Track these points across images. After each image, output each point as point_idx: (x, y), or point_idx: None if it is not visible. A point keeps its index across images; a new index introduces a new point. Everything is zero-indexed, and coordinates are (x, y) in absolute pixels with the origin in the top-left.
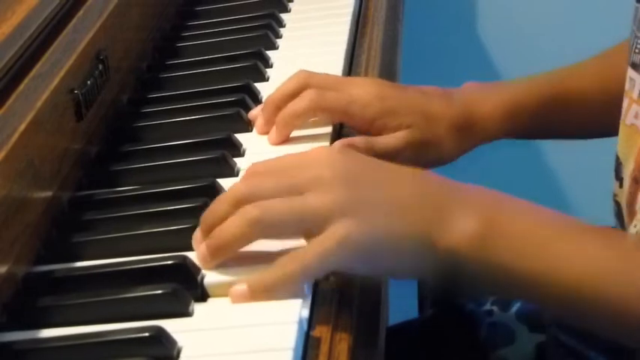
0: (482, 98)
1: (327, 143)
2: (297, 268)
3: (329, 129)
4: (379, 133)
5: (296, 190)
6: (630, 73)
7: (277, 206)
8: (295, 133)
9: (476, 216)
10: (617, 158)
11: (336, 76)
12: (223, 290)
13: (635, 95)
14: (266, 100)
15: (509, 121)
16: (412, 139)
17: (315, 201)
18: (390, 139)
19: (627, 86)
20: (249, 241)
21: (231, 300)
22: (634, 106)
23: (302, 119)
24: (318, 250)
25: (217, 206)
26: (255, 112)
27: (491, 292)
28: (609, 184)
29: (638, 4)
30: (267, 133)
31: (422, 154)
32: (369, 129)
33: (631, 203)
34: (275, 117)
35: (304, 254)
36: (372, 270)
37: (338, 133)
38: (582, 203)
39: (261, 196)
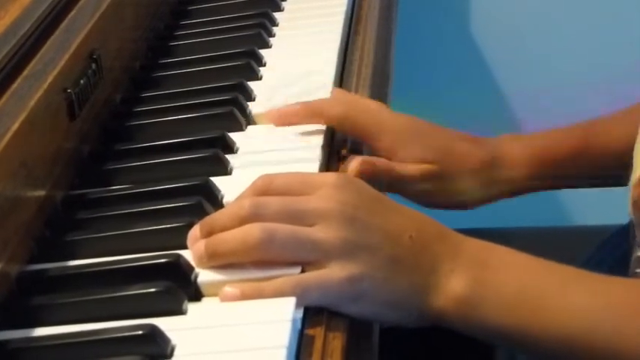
0: (512, 141)
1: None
2: (295, 291)
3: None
4: (401, 161)
5: (302, 218)
6: None
7: (283, 232)
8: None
9: (465, 277)
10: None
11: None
12: (217, 289)
13: None
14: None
15: (537, 169)
16: (430, 174)
17: (321, 234)
18: (409, 167)
19: None
20: (247, 259)
21: (221, 299)
22: None
23: (326, 122)
24: (320, 281)
25: (221, 218)
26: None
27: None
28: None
29: None
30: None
31: (441, 191)
32: (391, 156)
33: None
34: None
35: (306, 281)
36: (362, 313)
37: None
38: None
39: (265, 215)
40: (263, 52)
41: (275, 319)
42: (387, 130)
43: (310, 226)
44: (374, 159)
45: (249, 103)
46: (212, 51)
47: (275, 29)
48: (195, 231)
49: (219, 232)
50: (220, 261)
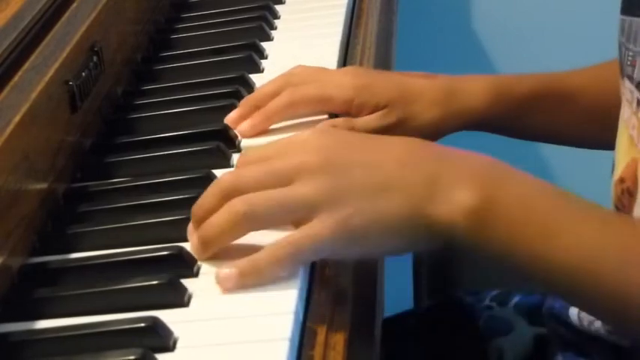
0: (468, 76)
1: None
2: (289, 251)
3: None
4: (359, 114)
5: (281, 179)
6: (627, 85)
7: (263, 199)
8: (293, 122)
9: (472, 190)
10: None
11: (315, 70)
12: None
13: (633, 107)
14: (245, 98)
15: (496, 98)
16: (390, 119)
17: (301, 190)
18: (369, 120)
19: (626, 98)
20: (238, 235)
21: (219, 284)
22: (633, 118)
23: (280, 115)
24: (310, 234)
25: (205, 199)
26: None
27: (489, 265)
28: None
29: (623, 17)
30: (236, 126)
31: (406, 131)
32: (349, 110)
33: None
34: (251, 114)
35: (297, 238)
36: (365, 253)
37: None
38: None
39: (246, 186)
40: (265, 44)
41: (277, 311)
42: (333, 86)
43: (291, 183)
44: (335, 120)
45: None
46: (214, 44)
47: (277, 22)
48: (190, 225)
49: (207, 214)
50: (213, 247)
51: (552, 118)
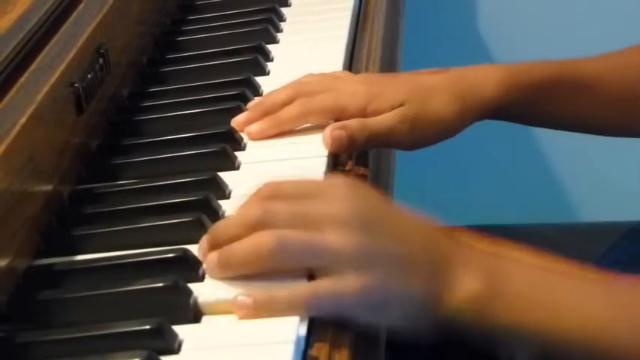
0: (479, 67)
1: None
2: (309, 301)
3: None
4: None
5: (312, 223)
6: None
7: (294, 239)
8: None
9: (479, 279)
10: None
11: (327, 79)
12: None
13: None
14: (255, 102)
15: (508, 87)
16: (405, 116)
17: (334, 241)
18: (382, 118)
19: None
20: (260, 269)
21: (235, 309)
22: None
23: (291, 125)
24: (335, 290)
25: (229, 227)
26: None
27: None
28: (613, 178)
29: None
30: (243, 129)
31: (420, 128)
32: (365, 116)
33: None
34: (259, 120)
35: (321, 289)
36: (376, 320)
37: None
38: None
39: (275, 222)
40: (270, 47)
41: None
42: (346, 95)
43: (321, 231)
44: (348, 122)
45: (256, 98)
46: (219, 46)
47: (282, 24)
48: (203, 242)
49: (228, 241)
50: (233, 272)
51: (568, 105)
